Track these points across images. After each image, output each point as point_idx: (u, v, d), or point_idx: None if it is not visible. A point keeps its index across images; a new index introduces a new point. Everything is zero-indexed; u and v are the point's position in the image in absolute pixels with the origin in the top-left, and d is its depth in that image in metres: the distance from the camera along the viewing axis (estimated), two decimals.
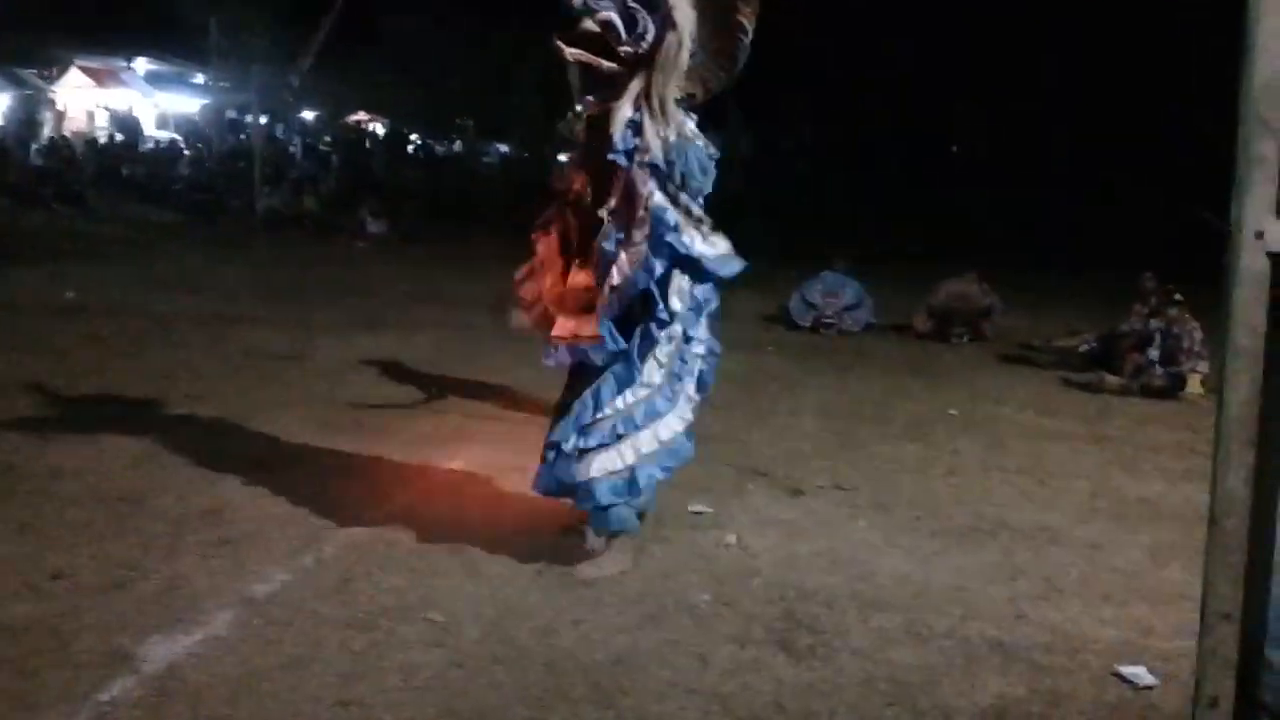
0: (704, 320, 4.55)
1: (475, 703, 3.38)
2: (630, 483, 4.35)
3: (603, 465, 4.33)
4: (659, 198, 4.26)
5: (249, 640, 3.70)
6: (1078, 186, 27.96)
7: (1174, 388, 8.67)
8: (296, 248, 16.89)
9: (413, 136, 36.93)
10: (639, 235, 4.24)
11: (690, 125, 4.40)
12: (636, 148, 4.27)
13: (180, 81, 31.66)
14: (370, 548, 4.58)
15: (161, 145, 28.08)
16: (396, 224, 19.13)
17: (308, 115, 33.84)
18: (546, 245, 4.56)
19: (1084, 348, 9.98)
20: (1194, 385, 8.71)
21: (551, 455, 4.43)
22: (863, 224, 23.62)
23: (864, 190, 28.95)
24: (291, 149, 28.63)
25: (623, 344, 4.29)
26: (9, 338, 8.64)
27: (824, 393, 8.36)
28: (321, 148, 30.71)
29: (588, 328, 4.32)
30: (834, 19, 25.31)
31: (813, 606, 4.23)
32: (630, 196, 4.28)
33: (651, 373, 4.37)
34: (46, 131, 27.48)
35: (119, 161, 24.17)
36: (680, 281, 4.37)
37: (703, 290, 4.47)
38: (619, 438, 4.33)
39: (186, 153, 26.66)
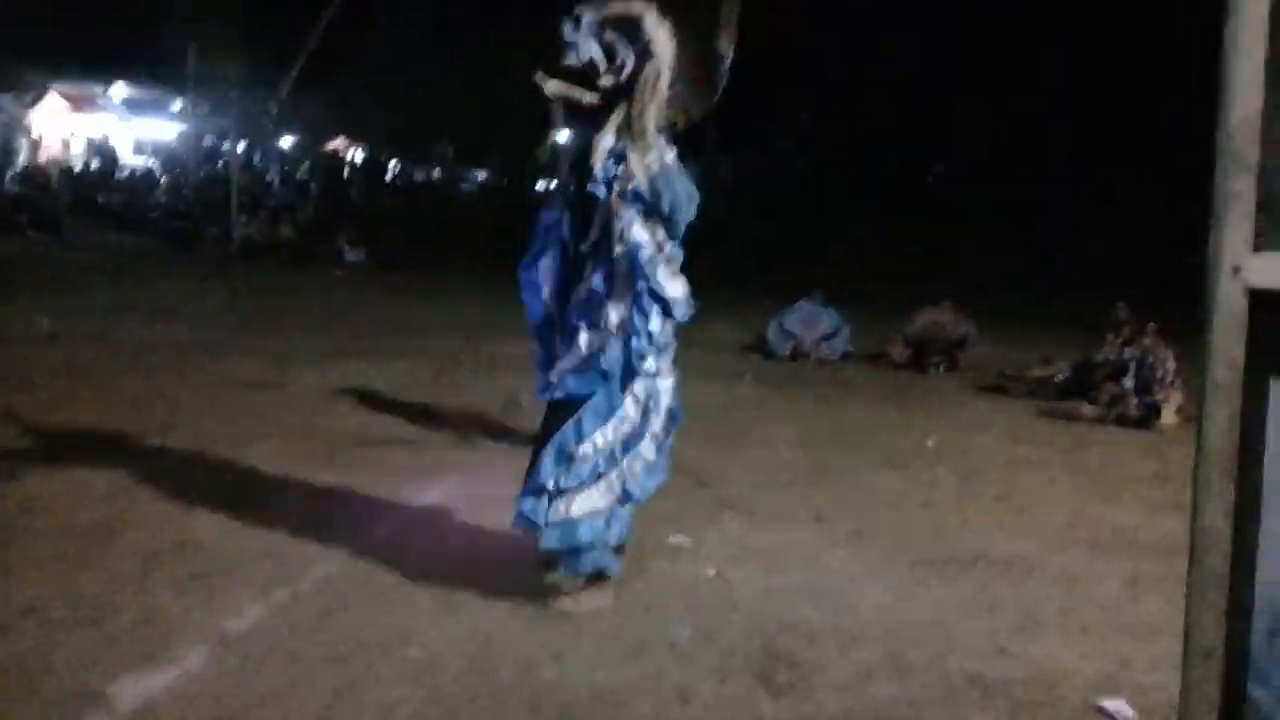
0: (669, 356, 4.56)
1: None
2: (608, 521, 4.35)
3: (583, 505, 4.32)
4: (636, 230, 4.28)
5: (224, 677, 3.65)
6: (1077, 186, 28.09)
7: (1149, 417, 8.73)
8: (273, 276, 16.83)
9: (391, 163, 36.93)
10: (621, 271, 4.27)
11: (671, 155, 4.43)
12: (616, 177, 4.29)
13: (157, 108, 31.53)
14: (347, 582, 4.54)
15: (138, 172, 27.96)
16: (374, 252, 19.11)
17: (285, 142, 33.79)
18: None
19: (1059, 377, 10.04)
20: (1169, 415, 8.77)
21: (531, 490, 4.41)
22: (854, 229, 23.64)
23: (862, 190, 29.10)
24: (269, 177, 28.57)
25: (612, 368, 4.31)
26: None
27: (802, 422, 8.37)
28: (299, 175, 30.67)
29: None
30: (832, 18, 25.42)
31: (793, 640, 4.21)
32: (608, 229, 4.30)
33: (632, 407, 4.38)
34: (22, 158, 27.31)
35: (95, 189, 24.06)
36: (655, 317, 4.38)
37: (670, 327, 4.49)
38: (599, 476, 4.33)
39: (163, 180, 26.55)
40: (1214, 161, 2.02)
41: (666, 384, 4.55)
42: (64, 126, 30.12)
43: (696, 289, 4.49)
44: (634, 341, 4.31)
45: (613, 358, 4.31)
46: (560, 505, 4.33)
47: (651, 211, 4.30)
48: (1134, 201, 26.16)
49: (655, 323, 4.35)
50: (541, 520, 4.34)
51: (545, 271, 4.50)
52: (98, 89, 31.05)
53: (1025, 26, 27.29)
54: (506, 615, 4.29)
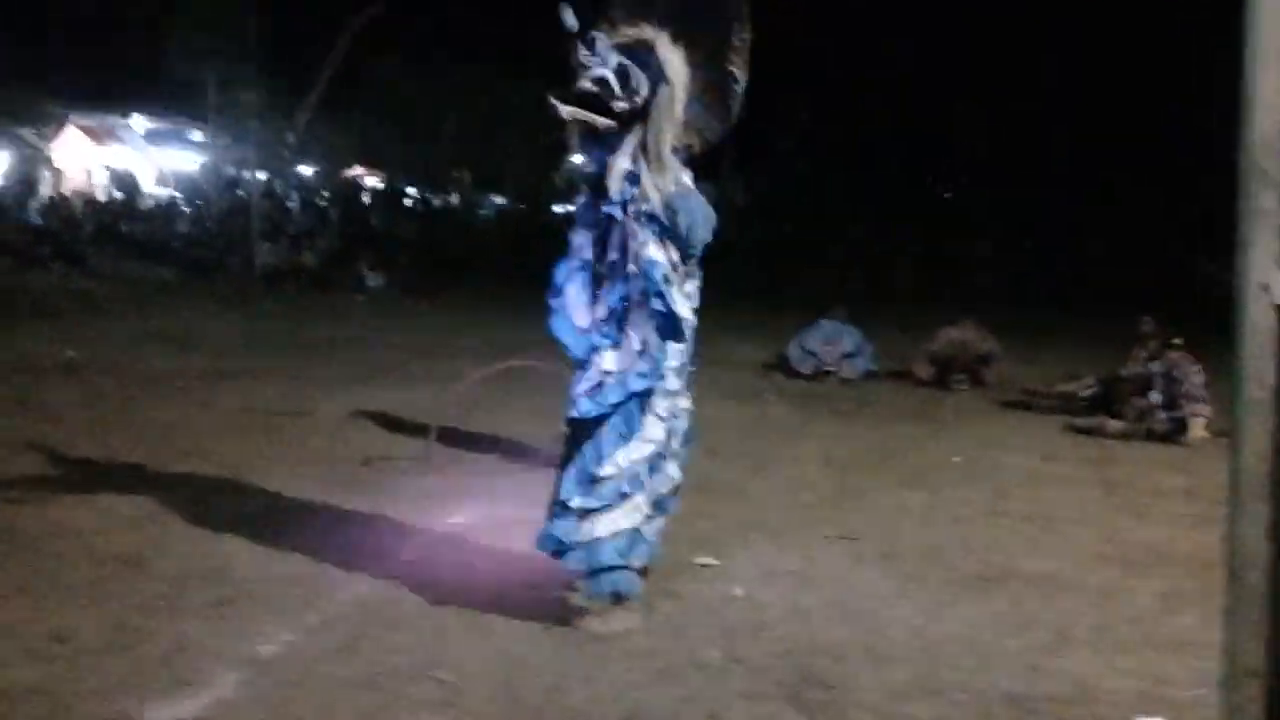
0: (686, 375, 4.58)
1: None
2: (632, 542, 4.35)
3: (608, 525, 4.32)
4: (652, 250, 4.31)
5: (255, 703, 3.65)
6: (1078, 187, 28.00)
7: (1177, 431, 8.66)
8: (295, 303, 16.93)
9: (409, 190, 37.15)
10: (637, 291, 4.30)
11: (687, 177, 4.46)
12: (632, 199, 4.32)
13: (178, 139, 31.81)
14: (375, 606, 4.54)
15: (160, 203, 28.19)
16: (394, 278, 19.21)
17: (305, 170, 34.03)
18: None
19: (1085, 392, 9.98)
20: (1197, 429, 8.70)
21: (555, 512, 4.41)
22: (859, 236, 23.57)
23: (863, 192, 29.11)
24: (290, 205, 28.77)
25: (630, 387, 4.32)
26: (8, 398, 8.62)
27: (826, 441, 8.34)
28: (319, 202, 30.86)
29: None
30: (831, 18, 25.44)
31: (823, 660, 4.18)
32: (625, 249, 4.33)
33: (654, 428, 4.39)
34: (45, 190, 27.58)
35: (118, 219, 24.24)
36: (670, 336, 4.39)
37: (686, 347, 4.50)
38: (623, 497, 4.33)
39: (185, 210, 26.77)
40: (1237, 178, 2.00)
41: (686, 403, 4.58)
42: (86, 158, 30.44)
43: (717, 309, 4.50)
44: (651, 360, 4.32)
45: (630, 377, 4.33)
46: (585, 526, 4.34)
47: (667, 233, 4.33)
48: (1136, 204, 26.09)
49: (671, 342, 4.36)
50: (568, 541, 4.35)
51: (574, 301, 4.51)
52: (118, 121, 31.38)
53: (1026, 27, 27.32)
54: (535, 637, 4.28)
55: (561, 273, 4.56)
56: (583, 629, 4.34)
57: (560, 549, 4.40)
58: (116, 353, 11.19)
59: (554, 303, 4.55)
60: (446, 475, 6.78)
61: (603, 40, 4.33)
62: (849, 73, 28.48)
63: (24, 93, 27.86)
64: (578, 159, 4.51)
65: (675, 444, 4.58)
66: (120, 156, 30.85)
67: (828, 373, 11.15)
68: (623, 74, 4.30)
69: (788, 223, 28.28)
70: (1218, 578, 5.22)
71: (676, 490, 4.62)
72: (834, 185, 29.57)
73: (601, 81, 4.29)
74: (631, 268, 4.33)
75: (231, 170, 29.75)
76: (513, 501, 5.94)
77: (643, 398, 4.34)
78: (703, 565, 5.20)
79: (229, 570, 4.88)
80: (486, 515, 5.88)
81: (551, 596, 4.63)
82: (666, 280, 4.31)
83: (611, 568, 4.34)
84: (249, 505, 5.91)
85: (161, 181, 31.79)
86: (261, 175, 25.89)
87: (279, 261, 19.74)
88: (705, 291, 4.70)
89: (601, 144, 4.41)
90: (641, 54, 4.37)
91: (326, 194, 33.13)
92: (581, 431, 4.41)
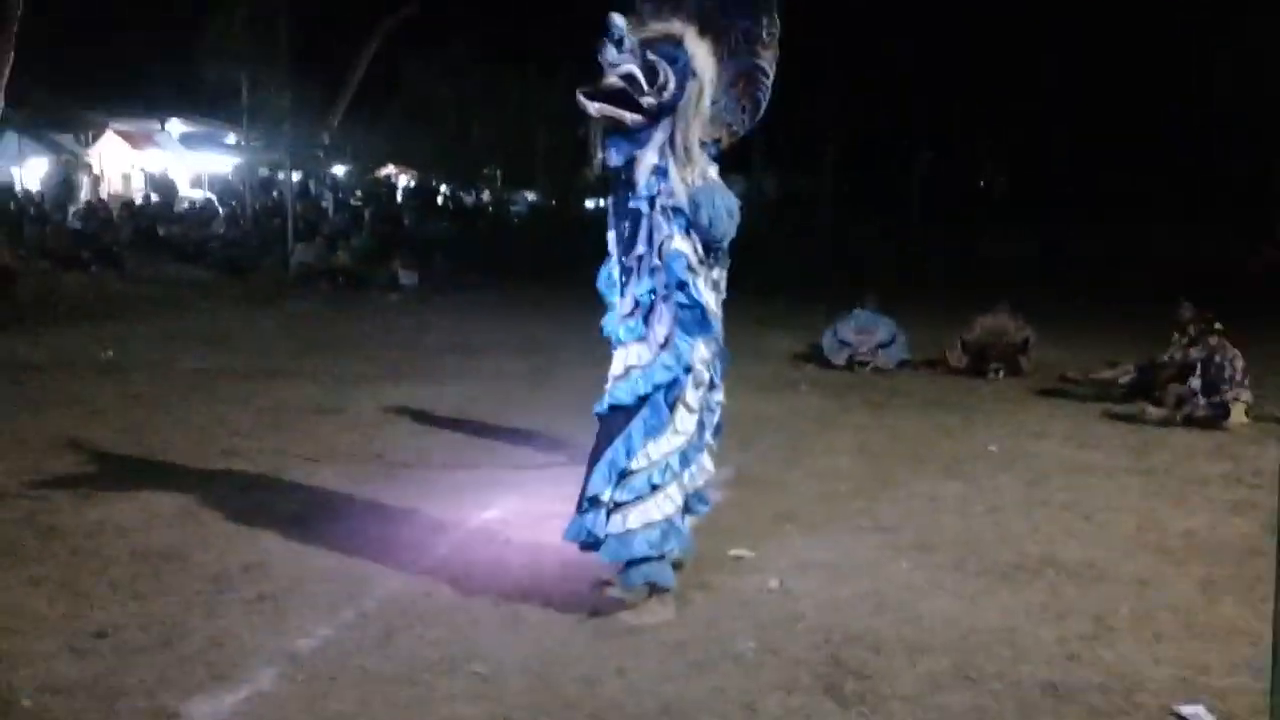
0: (720, 368, 4.58)
1: None
2: (665, 533, 4.36)
3: (640, 518, 4.33)
4: (678, 242, 4.32)
5: (294, 697, 3.69)
6: (1116, 172, 27.86)
7: (1218, 417, 8.52)
8: (329, 302, 17.05)
9: (441, 188, 37.33)
10: (662, 283, 4.31)
11: (714, 171, 4.47)
12: (659, 193, 4.34)
13: (213, 142, 32.15)
14: (411, 600, 4.57)
15: (197, 205, 28.49)
16: (427, 275, 19.27)
17: (338, 170, 34.28)
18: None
19: (1124, 379, 9.83)
20: (1238, 415, 8.56)
21: (586, 504, 4.42)
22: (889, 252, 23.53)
23: (897, 181, 29.04)
24: (324, 205, 28.98)
25: (658, 379, 4.32)
26: (49, 397, 8.75)
27: (860, 431, 8.29)
28: (353, 202, 31.07)
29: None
30: (832, 17, 25.38)
31: (859, 651, 4.16)
32: (651, 242, 4.35)
33: (684, 420, 4.40)
34: (84, 194, 27.94)
35: (154, 222, 24.50)
36: (695, 328, 4.39)
37: (715, 340, 4.49)
38: (654, 488, 4.34)
39: (221, 211, 27.02)
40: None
41: (718, 396, 4.58)
42: (124, 162, 30.83)
43: (750, 301, 4.50)
44: (675, 352, 4.32)
45: (655, 369, 4.33)
46: (617, 518, 4.35)
47: (692, 226, 4.33)
48: (1172, 189, 25.89)
49: (696, 333, 4.35)
50: (600, 534, 4.36)
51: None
52: (154, 125, 31.75)
53: (1042, 39, 27.16)
54: (569, 630, 4.29)
55: (603, 278, 4.59)
56: (617, 622, 4.35)
57: (592, 541, 4.42)
58: (154, 353, 11.33)
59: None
60: (479, 470, 6.81)
61: (631, 37, 4.33)
62: (882, 63, 28.39)
63: (65, 101, 28.26)
64: (599, 158, 4.51)
65: (708, 436, 4.58)
66: (157, 160, 31.23)
67: (862, 363, 11.08)
68: (650, 70, 4.31)
69: (822, 213, 28.23)
70: (1258, 565, 5.18)
71: (711, 482, 4.63)
72: (866, 177, 29.51)
73: (629, 77, 4.29)
74: (657, 261, 4.35)
75: (266, 171, 30.04)
76: (546, 496, 5.96)
77: (670, 390, 4.34)
78: (736, 557, 5.19)
79: (267, 566, 4.94)
80: (520, 509, 5.91)
81: (586, 589, 4.65)
82: (690, 270, 4.32)
83: (645, 559, 4.35)
84: (286, 502, 5.97)
85: (197, 184, 32.16)
86: (296, 176, 26.09)
87: (314, 261, 19.84)
88: (738, 283, 4.71)
89: (630, 139, 4.41)
90: (669, 48, 4.38)
91: (359, 193, 33.38)
92: (611, 425, 4.43)
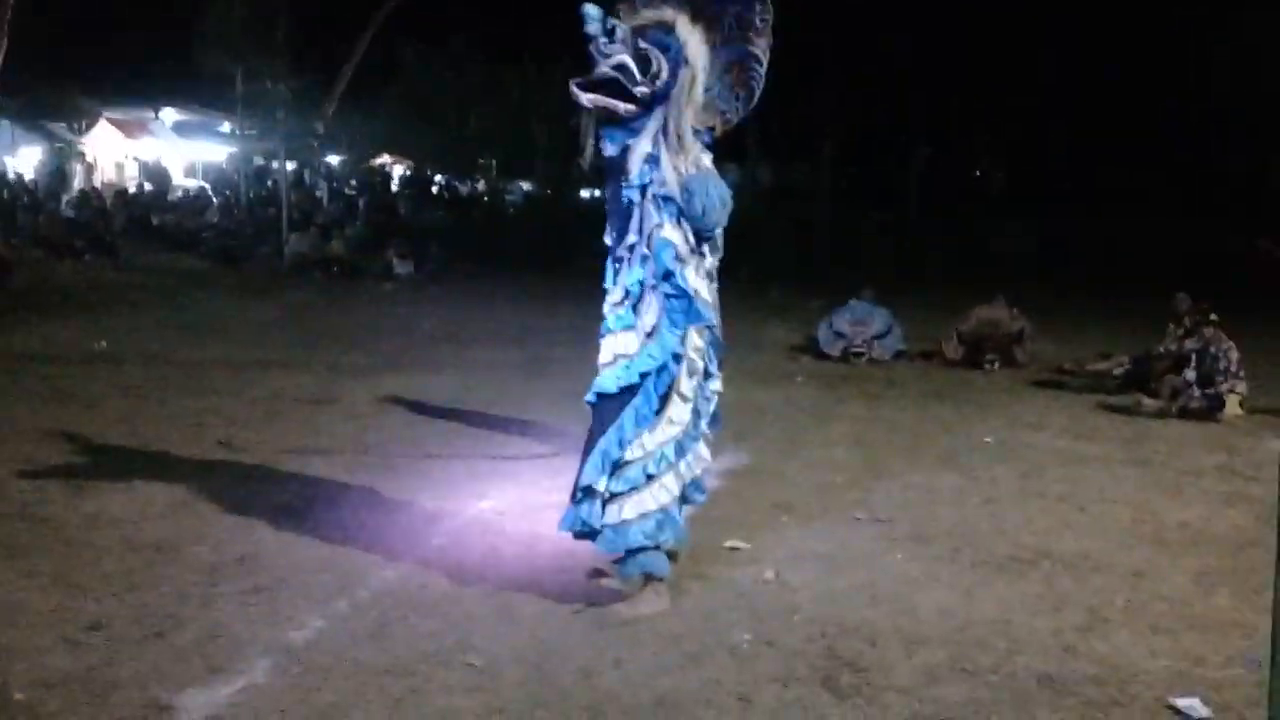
0: (715, 357, 4.56)
1: None
2: (660, 524, 4.35)
3: (635, 508, 4.32)
4: (668, 230, 4.31)
5: (289, 689, 3.68)
6: (1110, 165, 27.91)
7: (1213, 409, 8.53)
8: (324, 291, 17.00)
9: (437, 177, 37.23)
10: (651, 271, 4.30)
11: (707, 159, 4.44)
12: (650, 181, 4.33)
13: (207, 130, 32.07)
14: (405, 591, 4.56)
15: (190, 194, 28.42)
16: (422, 265, 19.21)
17: (333, 160, 34.18)
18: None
19: (1118, 370, 9.85)
20: (1233, 406, 8.57)
21: (580, 494, 4.41)
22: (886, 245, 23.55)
23: (894, 172, 29.08)
24: (319, 194, 28.89)
25: (646, 367, 4.31)
26: (42, 388, 8.71)
27: (856, 422, 8.28)
28: (348, 191, 30.98)
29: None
30: (831, 17, 25.36)
31: (855, 643, 4.16)
32: (643, 231, 4.34)
33: (679, 409, 4.38)
34: (77, 183, 27.87)
35: (149, 211, 24.44)
36: (682, 316, 4.38)
37: (706, 329, 4.48)
38: (649, 478, 4.33)
39: (215, 201, 26.95)
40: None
41: (715, 385, 4.56)
42: (117, 151, 30.75)
43: (746, 291, 4.49)
44: (660, 342, 4.31)
45: (640, 358, 4.32)
46: (613, 509, 4.34)
47: (685, 214, 4.31)
48: (1167, 181, 25.95)
49: (683, 323, 4.33)
50: (595, 524, 4.35)
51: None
52: (148, 114, 31.66)
53: (1025, 20, 27.18)
54: (564, 622, 4.28)
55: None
56: (612, 613, 4.34)
57: (588, 532, 4.41)
58: (148, 343, 11.29)
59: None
60: (474, 460, 6.80)
61: (623, 25, 4.31)
62: (880, 57, 28.37)
63: (58, 88, 28.17)
64: (590, 149, 4.49)
65: (703, 425, 4.56)
66: (151, 149, 31.16)
67: (857, 354, 11.07)
68: (643, 58, 4.29)
69: (818, 204, 28.19)
70: (1253, 557, 5.18)
71: (708, 472, 4.62)
72: (864, 171, 29.50)
73: (622, 67, 4.27)
74: (647, 250, 4.33)
75: (260, 160, 29.96)
76: (540, 486, 5.96)
77: (659, 378, 4.32)
78: (732, 548, 5.19)
79: (261, 557, 4.92)
80: (515, 500, 5.90)
81: (581, 580, 4.64)
82: (679, 260, 4.31)
83: (641, 549, 4.34)
84: (280, 493, 5.95)
85: (191, 173, 32.09)
86: (290, 165, 26.00)
87: (308, 251, 19.77)
88: (733, 273, 4.69)
89: (624, 129, 4.39)
90: (661, 35, 4.35)
91: (354, 183, 33.29)
92: (603, 414, 4.41)
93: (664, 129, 4.33)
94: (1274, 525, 2.85)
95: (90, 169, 29.48)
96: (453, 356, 10.82)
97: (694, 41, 4.35)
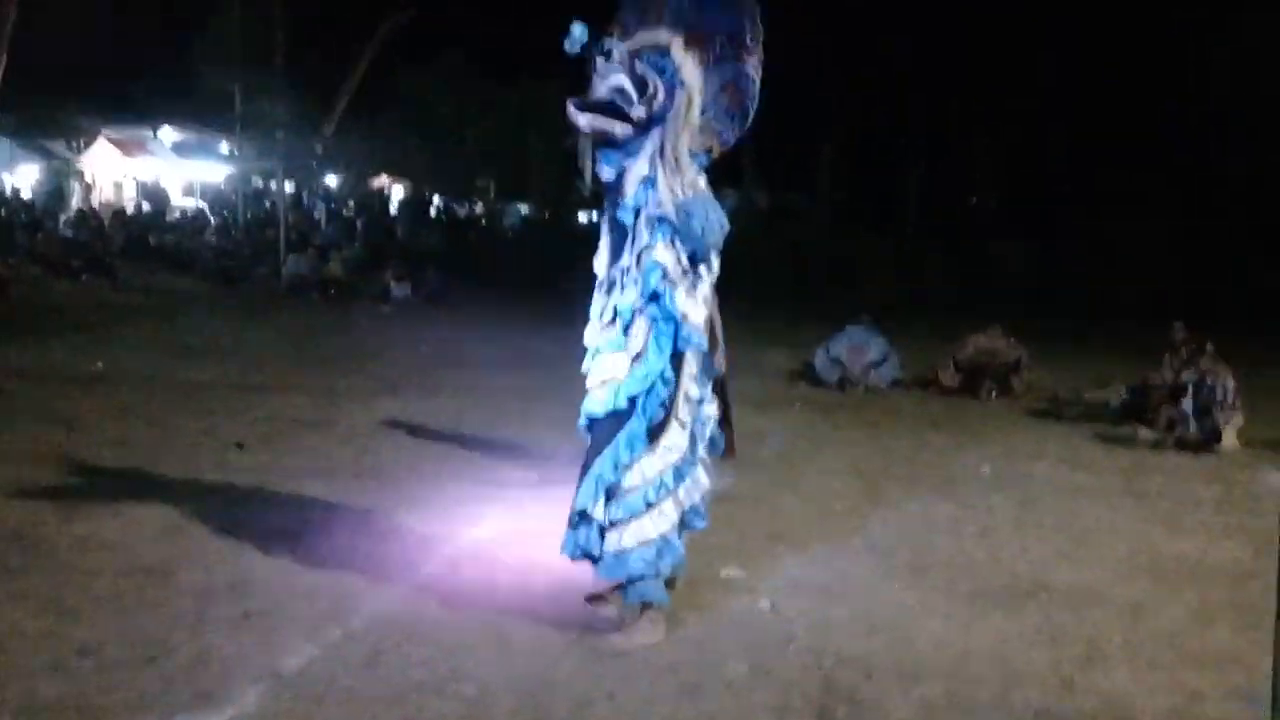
0: (709, 383, 4.54)
1: None
2: (660, 551, 4.32)
3: (635, 535, 4.30)
4: (660, 252, 4.30)
5: (280, 717, 3.65)
6: (1107, 193, 27.92)
7: (1209, 440, 8.53)
8: (321, 313, 17.00)
9: (434, 199, 37.31)
10: (642, 292, 4.29)
11: (703, 182, 4.46)
12: (647, 202, 4.34)
13: (206, 150, 32.13)
14: (398, 619, 4.52)
15: (188, 214, 28.44)
16: (420, 287, 19.22)
17: (331, 181, 34.24)
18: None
19: (1115, 401, 9.85)
20: (1230, 438, 8.57)
21: (576, 519, 4.39)
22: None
23: (892, 198, 29.14)
24: (316, 215, 28.93)
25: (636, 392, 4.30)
26: (37, 409, 8.67)
27: (853, 450, 8.27)
28: (345, 213, 31.02)
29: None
30: (831, 16, 25.42)
31: (851, 675, 4.13)
32: (636, 252, 4.34)
33: (676, 435, 4.36)
34: (75, 202, 27.87)
35: (147, 231, 24.45)
36: (670, 339, 4.37)
37: (700, 354, 4.47)
38: (649, 505, 4.31)
39: (213, 221, 26.97)
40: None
41: (711, 409, 4.55)
42: (116, 170, 30.77)
43: (743, 316, 4.48)
44: (648, 365, 4.29)
45: (628, 381, 4.30)
46: (613, 536, 4.32)
47: (678, 234, 4.32)
48: (1164, 212, 25.96)
49: (668, 347, 4.31)
50: (594, 551, 4.32)
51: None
52: (146, 133, 31.71)
53: (1054, 29, 27.25)
54: (559, 651, 4.25)
55: None
56: (607, 643, 4.31)
57: (588, 557, 4.38)
58: (144, 364, 11.25)
59: None
60: (470, 485, 6.76)
61: (620, 48, 4.32)
62: (875, 75, 28.47)
63: (56, 106, 28.22)
64: (589, 173, 4.50)
65: (701, 449, 4.54)
66: (149, 168, 31.18)
67: (855, 381, 11.07)
68: (639, 80, 4.30)
69: (817, 229, 28.28)
70: (1252, 590, 5.15)
71: (706, 498, 4.59)
72: (861, 193, 29.55)
73: (619, 89, 4.28)
74: (637, 273, 4.32)
75: (258, 181, 30.01)
76: (537, 512, 5.92)
77: (648, 401, 4.30)
78: (728, 577, 5.16)
79: (253, 583, 4.88)
80: (510, 526, 5.87)
81: (576, 609, 4.61)
82: (669, 282, 4.29)
83: (641, 576, 4.32)
84: (274, 517, 5.91)
85: (189, 193, 32.11)
86: (289, 186, 26.05)
87: (306, 272, 19.79)
88: (732, 298, 4.67)
89: (620, 151, 4.39)
90: (656, 58, 4.37)
91: (352, 204, 33.36)
92: (597, 439, 4.40)
93: (660, 151, 4.34)
94: (1273, 558, 2.84)
95: (88, 188, 29.48)
96: (449, 380, 10.80)
97: (689, 64, 4.38)
